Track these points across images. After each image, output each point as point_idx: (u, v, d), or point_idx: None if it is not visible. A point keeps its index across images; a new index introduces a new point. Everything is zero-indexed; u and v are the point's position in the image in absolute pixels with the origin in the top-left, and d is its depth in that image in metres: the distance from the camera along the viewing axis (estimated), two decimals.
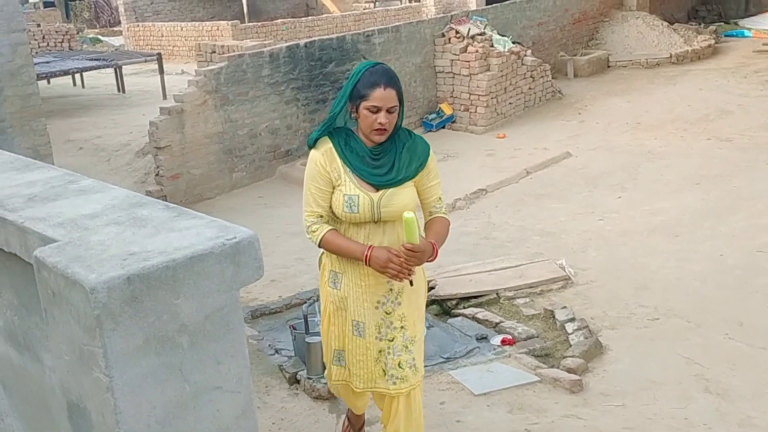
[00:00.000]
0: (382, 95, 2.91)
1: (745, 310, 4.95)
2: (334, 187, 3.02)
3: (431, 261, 3.03)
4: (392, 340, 3.16)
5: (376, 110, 2.92)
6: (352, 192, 2.98)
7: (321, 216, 3.04)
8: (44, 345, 1.93)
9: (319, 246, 3.06)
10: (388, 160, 3.04)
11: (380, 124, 2.93)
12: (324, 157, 3.02)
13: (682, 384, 4.10)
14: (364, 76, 2.96)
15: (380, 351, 3.16)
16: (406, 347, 3.17)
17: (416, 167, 3.06)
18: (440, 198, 3.19)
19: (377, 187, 3.01)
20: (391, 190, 3.01)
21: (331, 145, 3.05)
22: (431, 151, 3.14)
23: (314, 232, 3.04)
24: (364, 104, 2.93)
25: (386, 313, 3.15)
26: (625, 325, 4.85)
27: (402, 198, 3.02)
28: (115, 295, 1.33)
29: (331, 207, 3.08)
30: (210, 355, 1.48)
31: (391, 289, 3.12)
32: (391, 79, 2.96)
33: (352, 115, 3.02)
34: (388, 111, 2.94)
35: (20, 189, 1.95)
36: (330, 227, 3.05)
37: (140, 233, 1.53)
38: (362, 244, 3.01)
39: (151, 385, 1.41)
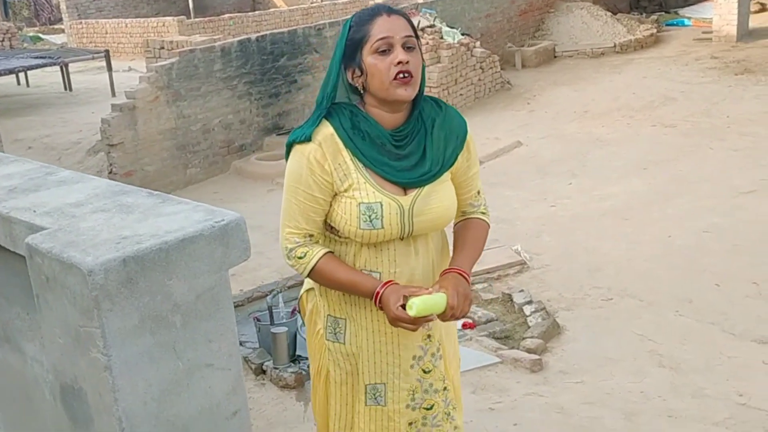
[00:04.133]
0: (386, 22, 2.03)
1: (694, 288, 5.15)
2: (336, 194, 2.09)
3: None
4: (431, 408, 2.28)
5: (388, 47, 2.01)
6: (372, 198, 2.05)
7: (311, 235, 2.13)
8: (26, 335, 1.96)
9: (309, 277, 2.15)
10: (417, 145, 2.12)
11: (400, 63, 2.00)
12: (321, 148, 2.05)
13: (637, 360, 4.27)
14: (356, 18, 2.09)
15: (410, 423, 2.27)
16: (448, 414, 2.31)
17: (453, 150, 2.17)
18: (480, 192, 2.31)
19: (405, 187, 2.10)
20: (426, 189, 2.11)
21: (331, 129, 2.07)
22: (469, 128, 2.26)
23: (300, 258, 2.11)
24: (367, 48, 2.02)
25: (424, 371, 2.25)
26: (580, 306, 5.00)
27: (441, 199, 2.13)
28: (111, 276, 1.39)
29: (328, 223, 2.15)
30: (202, 334, 1.54)
31: (429, 336, 2.23)
32: (394, 8, 2.11)
33: (355, 83, 2.08)
34: (405, 46, 2.02)
35: None
36: (324, 249, 2.13)
37: (129, 219, 1.58)
38: (373, 278, 2.10)
39: (146, 363, 1.46)
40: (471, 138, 2.25)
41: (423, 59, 2.12)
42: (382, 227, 2.06)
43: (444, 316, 2.05)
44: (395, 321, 2.01)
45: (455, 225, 2.33)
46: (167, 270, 1.46)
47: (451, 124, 2.19)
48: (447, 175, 2.17)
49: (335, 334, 2.23)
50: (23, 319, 1.94)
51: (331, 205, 2.12)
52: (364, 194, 2.06)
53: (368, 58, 2.03)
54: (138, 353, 1.45)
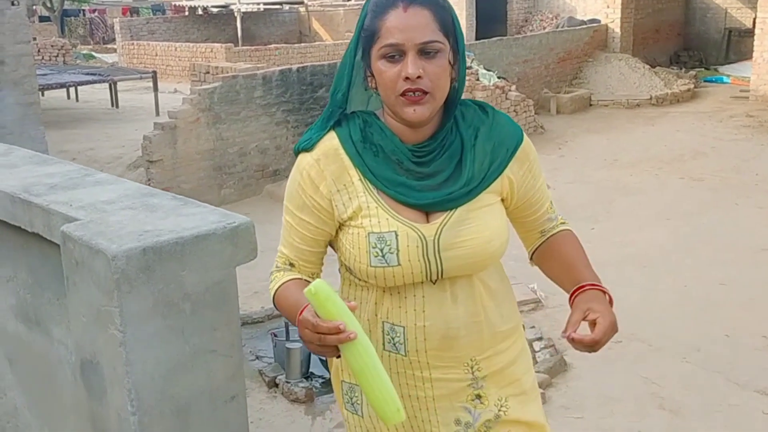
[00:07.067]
0: (400, 20, 1.55)
1: (704, 337, 5.23)
2: (342, 223, 1.68)
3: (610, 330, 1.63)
4: None
5: (397, 54, 1.56)
6: (384, 227, 1.62)
7: (292, 264, 1.78)
8: (55, 319, 2.16)
9: (274, 304, 1.80)
10: (448, 160, 1.65)
11: (407, 79, 1.55)
12: (319, 165, 1.67)
13: (638, 401, 4.36)
14: (374, 1, 1.61)
15: None
16: None
17: (502, 161, 1.68)
18: (552, 205, 1.83)
19: (428, 211, 1.65)
20: (457, 214, 1.64)
21: (337, 142, 1.67)
22: (525, 135, 1.75)
23: (270, 284, 1.82)
24: (375, 49, 1.59)
25: None
26: None
27: (480, 228, 1.64)
28: (132, 263, 1.58)
29: (340, 258, 1.75)
30: (208, 322, 1.72)
31: (479, 396, 1.73)
32: None
33: (369, 85, 1.67)
34: (423, 53, 1.55)
35: (42, 179, 2.19)
36: (293, 276, 1.76)
37: (153, 216, 1.78)
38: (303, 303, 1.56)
39: (157, 343, 1.65)
40: (529, 145, 1.73)
41: (463, 60, 1.64)
42: (399, 263, 1.61)
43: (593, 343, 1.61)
44: (303, 330, 1.55)
45: (536, 250, 1.84)
46: (181, 262, 1.64)
47: (500, 133, 1.69)
48: (491, 198, 1.67)
49: (352, 404, 1.81)
50: (53, 304, 2.14)
51: (338, 237, 1.72)
52: (374, 222, 1.62)
53: (377, 63, 1.59)
54: (150, 333, 1.64)
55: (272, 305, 1.86)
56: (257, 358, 4.95)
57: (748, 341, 5.13)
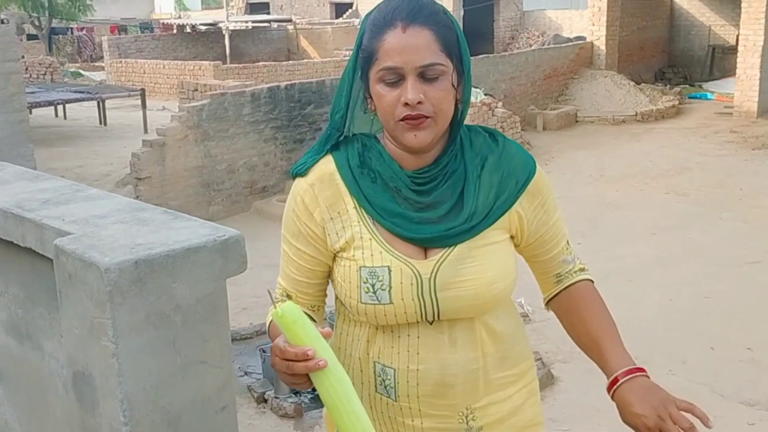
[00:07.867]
0: (399, 41, 1.44)
1: (690, 350, 5.29)
2: (335, 253, 1.58)
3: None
4: None
5: (396, 77, 1.45)
6: (377, 261, 1.51)
7: (289, 297, 1.66)
8: (46, 333, 2.18)
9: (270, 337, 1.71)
10: (450, 190, 1.54)
11: (406, 105, 1.45)
12: (313, 191, 1.57)
13: None
14: (372, 19, 1.50)
15: None
16: None
17: (507, 198, 1.56)
18: (568, 244, 1.73)
19: (426, 246, 1.53)
20: (457, 251, 1.52)
21: (333, 166, 1.57)
22: (538, 167, 1.62)
23: (268, 315, 1.63)
24: (373, 71, 1.48)
25: None
26: (576, 360, 5.15)
27: (483, 268, 1.52)
28: (124, 275, 1.61)
29: (335, 290, 1.63)
30: (199, 334, 1.75)
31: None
32: (418, 12, 1.45)
33: (369, 107, 1.56)
34: (424, 76, 1.45)
35: (34, 194, 2.23)
36: None
37: (144, 230, 1.81)
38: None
39: (149, 354, 1.68)
40: (542, 177, 1.61)
41: (468, 80, 1.53)
42: (391, 302, 1.49)
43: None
44: (273, 357, 1.47)
45: (551, 299, 1.75)
46: (173, 274, 1.68)
47: (510, 164, 1.57)
48: (498, 235, 1.55)
49: None
50: (45, 318, 2.17)
51: (332, 268, 1.61)
52: (367, 255, 1.52)
53: (375, 86, 1.49)
54: (142, 344, 1.67)
55: (263, 323, 1.90)
56: (246, 373, 4.96)
57: (732, 353, 5.19)
